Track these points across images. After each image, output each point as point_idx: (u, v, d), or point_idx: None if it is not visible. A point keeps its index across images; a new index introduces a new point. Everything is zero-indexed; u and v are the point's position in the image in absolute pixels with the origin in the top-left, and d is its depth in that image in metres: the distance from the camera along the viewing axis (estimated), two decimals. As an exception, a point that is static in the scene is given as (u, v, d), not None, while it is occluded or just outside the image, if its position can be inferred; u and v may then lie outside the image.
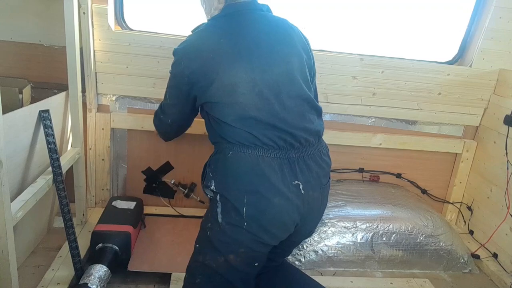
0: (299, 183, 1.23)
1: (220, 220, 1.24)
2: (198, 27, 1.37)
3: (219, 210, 1.24)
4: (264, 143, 1.22)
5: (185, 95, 1.32)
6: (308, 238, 1.84)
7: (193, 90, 1.28)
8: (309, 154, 1.27)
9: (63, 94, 1.76)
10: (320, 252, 1.85)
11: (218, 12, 1.33)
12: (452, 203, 2.39)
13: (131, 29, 2.00)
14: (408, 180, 2.35)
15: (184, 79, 1.27)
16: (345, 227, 1.88)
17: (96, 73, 1.94)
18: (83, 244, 1.73)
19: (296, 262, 1.85)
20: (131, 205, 1.91)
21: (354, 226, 1.89)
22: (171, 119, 1.45)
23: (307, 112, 1.28)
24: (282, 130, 1.23)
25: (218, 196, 1.25)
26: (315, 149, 1.29)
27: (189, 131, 2.18)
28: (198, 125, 2.07)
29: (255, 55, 1.23)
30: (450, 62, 2.23)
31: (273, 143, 1.22)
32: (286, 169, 1.22)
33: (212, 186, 1.26)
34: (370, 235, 1.88)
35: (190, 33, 1.36)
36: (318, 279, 1.62)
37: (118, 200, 1.94)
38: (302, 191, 1.24)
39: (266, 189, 1.20)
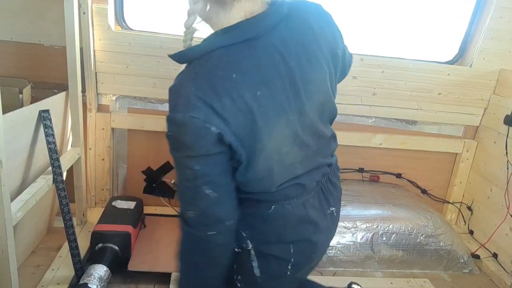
0: (333, 208, 1.12)
1: (257, 273, 1.05)
2: (203, 55, 0.87)
3: (255, 264, 1.04)
4: (309, 187, 1.03)
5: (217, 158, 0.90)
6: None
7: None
8: (331, 171, 1.13)
9: (63, 94, 1.75)
10: (320, 252, 1.85)
11: (225, 26, 0.89)
12: (452, 203, 2.39)
13: (131, 29, 2.00)
14: (408, 180, 2.35)
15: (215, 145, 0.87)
16: (345, 227, 1.88)
17: (96, 73, 1.94)
18: (83, 244, 1.73)
19: (296, 262, 1.85)
20: (131, 205, 1.91)
21: (354, 226, 1.89)
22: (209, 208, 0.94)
23: (331, 137, 1.12)
24: (321, 166, 1.07)
25: (252, 251, 1.04)
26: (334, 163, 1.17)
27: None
28: (198, 125, 2.08)
29: (292, 99, 0.91)
30: (450, 62, 2.23)
31: (316, 182, 1.06)
32: (323, 199, 1.09)
33: (245, 244, 1.03)
34: (370, 235, 1.88)
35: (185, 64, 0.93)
36: (318, 279, 1.62)
37: (118, 200, 1.94)
38: (335, 214, 1.13)
39: (312, 232, 1.05)
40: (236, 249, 1.05)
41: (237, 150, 0.87)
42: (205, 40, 0.91)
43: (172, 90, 0.91)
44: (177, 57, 0.92)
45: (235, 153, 0.88)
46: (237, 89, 0.84)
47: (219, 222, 0.94)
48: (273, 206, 0.99)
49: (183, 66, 0.94)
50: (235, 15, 0.88)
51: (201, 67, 0.86)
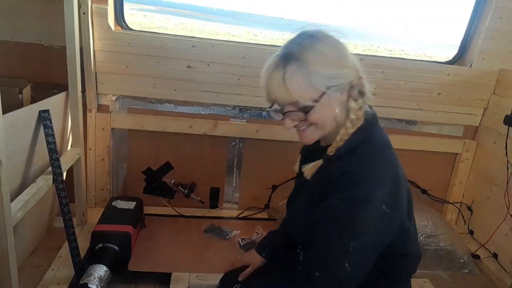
0: None
1: None
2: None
3: None
4: None
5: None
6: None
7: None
8: None
9: (63, 94, 1.75)
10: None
11: (361, 124, 1.04)
12: (452, 203, 2.39)
13: (131, 29, 2.00)
14: (408, 180, 2.34)
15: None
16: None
17: (96, 73, 1.93)
18: (83, 244, 1.73)
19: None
20: (131, 205, 1.91)
21: (354, 226, 1.88)
22: None
23: None
24: None
25: None
26: None
27: (189, 131, 2.18)
28: (197, 125, 2.08)
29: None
30: (450, 62, 2.23)
31: None
32: None
33: None
34: (370, 235, 1.88)
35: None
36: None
37: (118, 200, 1.94)
38: None
39: None
40: None
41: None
42: None
43: None
44: None
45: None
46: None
47: None
48: None
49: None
50: None
51: None
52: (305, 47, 0.97)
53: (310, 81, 0.95)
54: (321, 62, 0.96)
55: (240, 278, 1.32)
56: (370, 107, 1.12)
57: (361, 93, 1.05)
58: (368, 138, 1.02)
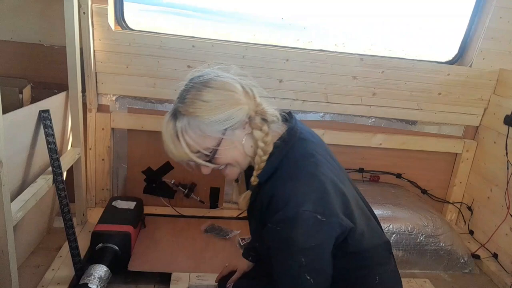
0: None
1: None
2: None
3: None
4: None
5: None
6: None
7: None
8: None
9: (63, 94, 1.75)
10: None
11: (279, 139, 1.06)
12: (452, 203, 2.39)
13: (131, 29, 2.00)
14: (408, 180, 2.35)
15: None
16: (345, 227, 1.88)
17: (96, 73, 1.93)
18: (83, 244, 1.73)
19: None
20: (131, 205, 1.91)
21: (354, 226, 1.89)
22: None
23: None
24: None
25: None
26: None
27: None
28: (198, 125, 2.07)
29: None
30: (450, 62, 2.23)
31: None
32: None
33: None
34: (370, 235, 1.88)
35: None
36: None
37: (118, 200, 1.94)
38: None
39: None
40: None
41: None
42: None
43: None
44: None
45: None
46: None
47: None
48: (377, 277, 1.13)
49: None
50: None
51: None
52: (188, 101, 0.99)
53: (203, 131, 0.98)
54: (207, 111, 0.98)
55: (228, 285, 1.33)
56: (289, 115, 1.12)
57: (264, 120, 1.05)
58: (286, 156, 1.03)
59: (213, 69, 1.05)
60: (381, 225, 1.88)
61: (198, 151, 1.01)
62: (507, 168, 2.00)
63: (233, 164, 1.06)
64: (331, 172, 1.03)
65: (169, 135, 1.01)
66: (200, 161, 1.03)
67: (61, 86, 1.79)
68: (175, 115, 1.01)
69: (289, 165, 1.02)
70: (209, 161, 1.03)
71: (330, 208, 0.97)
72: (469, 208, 2.31)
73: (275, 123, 1.08)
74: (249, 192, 1.09)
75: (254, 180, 1.05)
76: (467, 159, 2.32)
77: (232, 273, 1.41)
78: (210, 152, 1.01)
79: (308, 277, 0.97)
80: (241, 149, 1.04)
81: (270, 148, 1.04)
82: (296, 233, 0.95)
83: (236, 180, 1.21)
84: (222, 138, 1.00)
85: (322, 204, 0.96)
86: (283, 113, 1.12)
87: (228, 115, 0.99)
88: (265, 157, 1.03)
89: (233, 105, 1.00)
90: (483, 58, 2.14)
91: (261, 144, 1.03)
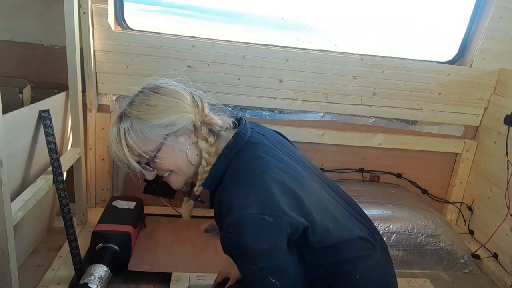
0: None
1: None
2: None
3: None
4: (374, 240, 1.16)
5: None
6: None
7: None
8: None
9: (63, 94, 1.75)
10: (320, 252, 1.85)
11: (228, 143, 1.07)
12: (452, 203, 2.39)
13: (131, 29, 2.00)
14: (408, 180, 2.35)
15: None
16: (345, 227, 1.88)
17: (96, 73, 1.93)
18: (83, 244, 1.73)
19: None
20: (131, 205, 1.91)
21: (354, 226, 1.88)
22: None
23: None
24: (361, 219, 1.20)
25: None
26: None
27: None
28: (198, 125, 2.07)
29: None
30: (450, 62, 2.23)
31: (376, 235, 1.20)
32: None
33: None
34: (370, 235, 1.88)
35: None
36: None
37: (118, 200, 1.94)
38: None
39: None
40: None
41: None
42: None
43: None
44: None
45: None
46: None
47: None
48: (358, 272, 1.11)
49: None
50: None
51: None
52: (135, 105, 1.04)
53: (144, 134, 1.01)
54: (150, 115, 1.01)
55: None
56: (238, 121, 1.13)
57: (212, 131, 1.07)
58: (232, 161, 1.03)
59: (168, 79, 1.09)
60: (381, 225, 1.90)
61: (139, 154, 1.03)
62: (507, 168, 2.00)
63: (176, 172, 1.08)
64: (282, 172, 1.02)
65: (113, 136, 1.04)
66: (137, 165, 1.04)
67: (61, 86, 1.79)
68: (121, 117, 1.05)
69: (234, 170, 1.02)
70: (148, 164, 1.04)
71: (277, 208, 0.95)
72: (469, 208, 2.31)
73: (227, 131, 1.10)
74: (191, 203, 1.12)
75: (197, 189, 1.07)
76: (467, 159, 2.32)
77: (226, 279, 1.41)
78: (150, 156, 1.03)
79: (273, 280, 0.96)
80: (184, 157, 1.06)
81: (214, 160, 1.06)
82: (247, 236, 0.93)
83: (188, 191, 1.20)
84: (163, 143, 1.02)
85: (269, 204, 0.95)
86: (235, 121, 1.13)
87: (171, 121, 1.01)
88: (208, 168, 1.05)
89: (178, 112, 1.02)
90: (483, 58, 2.14)
91: (205, 155, 1.05)
